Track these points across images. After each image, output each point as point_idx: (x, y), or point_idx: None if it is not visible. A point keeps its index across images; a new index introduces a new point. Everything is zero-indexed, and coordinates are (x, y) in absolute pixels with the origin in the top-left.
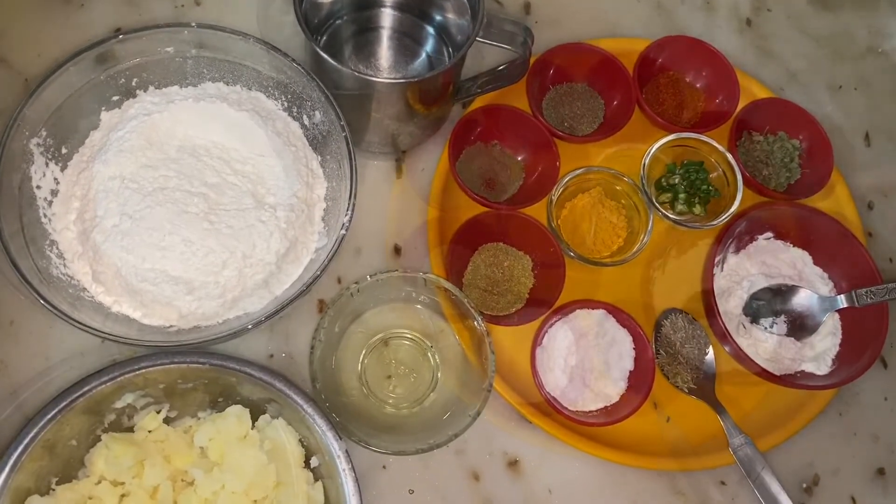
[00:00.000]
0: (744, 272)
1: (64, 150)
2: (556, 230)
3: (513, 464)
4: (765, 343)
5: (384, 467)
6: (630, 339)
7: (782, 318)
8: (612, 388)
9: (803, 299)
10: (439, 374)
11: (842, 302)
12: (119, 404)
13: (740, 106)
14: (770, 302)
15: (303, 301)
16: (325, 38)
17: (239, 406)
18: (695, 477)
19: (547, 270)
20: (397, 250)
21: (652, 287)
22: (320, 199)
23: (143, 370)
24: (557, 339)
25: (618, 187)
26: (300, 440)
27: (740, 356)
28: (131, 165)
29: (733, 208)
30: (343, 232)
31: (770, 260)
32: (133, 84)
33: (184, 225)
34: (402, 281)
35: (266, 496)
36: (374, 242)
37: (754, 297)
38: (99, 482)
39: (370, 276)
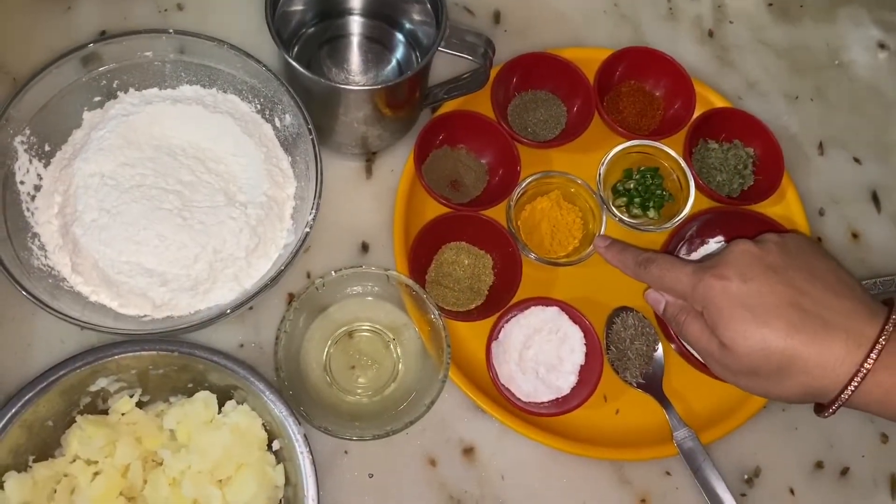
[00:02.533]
0: None
1: (47, 148)
2: (515, 231)
3: (468, 451)
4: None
5: (346, 452)
6: (581, 334)
7: None
8: (564, 381)
9: None
10: (400, 366)
11: None
12: (93, 388)
13: (697, 114)
14: None
15: (272, 294)
16: (298, 45)
17: (207, 392)
18: (641, 467)
19: (505, 269)
20: (365, 247)
21: (605, 286)
22: (290, 197)
23: (117, 356)
24: (513, 334)
25: (573, 191)
26: (263, 425)
27: (685, 354)
28: (110, 163)
29: (684, 212)
30: (307, 229)
31: None
32: (114, 86)
33: (158, 220)
34: (367, 277)
35: (230, 476)
36: (342, 240)
37: None
38: (73, 461)
39: (335, 272)
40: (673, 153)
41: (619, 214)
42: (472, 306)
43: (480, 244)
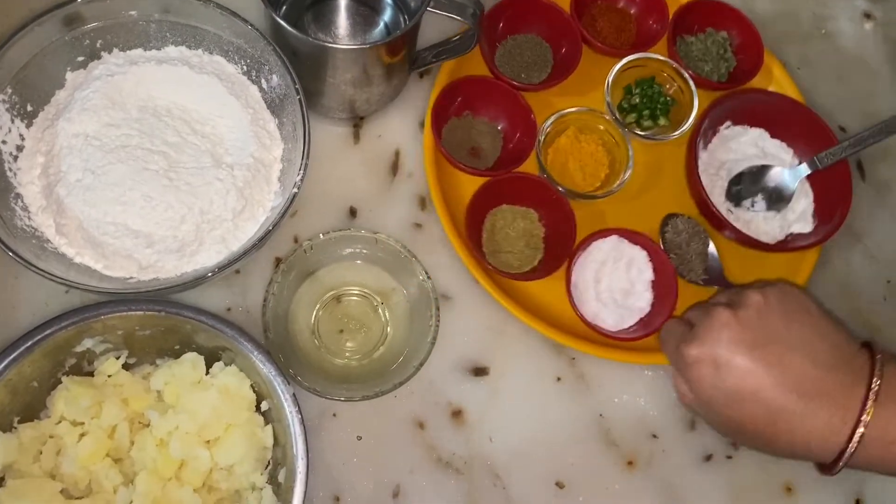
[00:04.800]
0: (717, 163)
1: (29, 108)
2: (550, 175)
3: (456, 413)
4: (752, 221)
5: (334, 415)
6: (644, 252)
7: (759, 196)
8: (642, 301)
9: (774, 174)
10: (388, 329)
11: (806, 168)
12: (79, 349)
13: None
14: (746, 184)
15: (260, 259)
16: (285, 6)
17: (194, 353)
18: (627, 429)
19: (553, 217)
20: (353, 212)
21: (648, 202)
22: (276, 160)
23: (103, 316)
24: (583, 274)
25: (587, 120)
26: (252, 386)
27: (741, 238)
28: (94, 124)
29: (695, 108)
30: (295, 191)
31: (734, 145)
32: (98, 46)
33: (144, 181)
34: (355, 240)
35: (218, 437)
36: (330, 204)
37: (732, 182)
38: (59, 422)
39: (323, 234)
40: (662, 57)
41: (635, 131)
42: (536, 262)
43: (521, 202)
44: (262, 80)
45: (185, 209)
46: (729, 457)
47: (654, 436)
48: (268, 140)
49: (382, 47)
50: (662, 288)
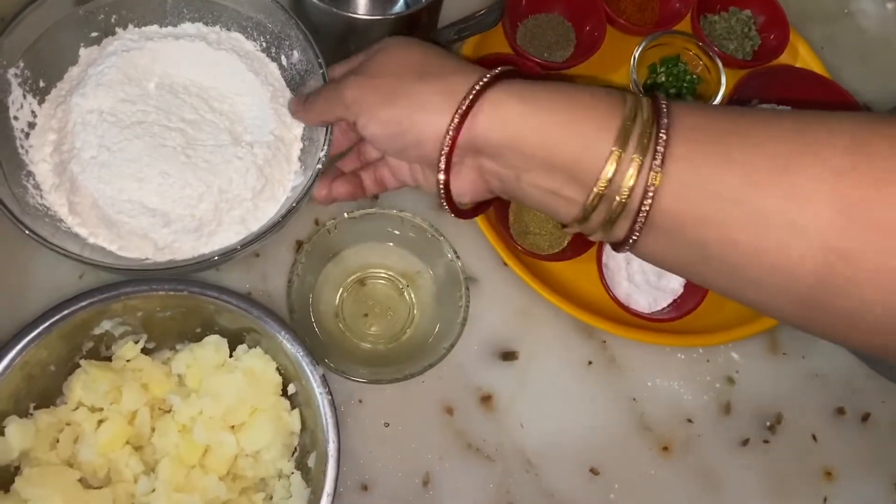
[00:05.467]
0: None
1: (42, 84)
2: None
3: (486, 399)
4: None
5: (360, 401)
6: None
7: None
8: (675, 282)
9: None
10: (415, 312)
11: None
12: (97, 331)
13: None
14: None
15: (280, 243)
16: None
17: (217, 335)
18: (662, 414)
19: None
20: (375, 195)
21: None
22: (297, 138)
23: (124, 296)
24: (615, 254)
25: None
26: (277, 368)
27: None
28: (109, 100)
29: (722, 85)
30: (319, 167)
31: None
32: (112, 21)
33: (161, 158)
34: (379, 219)
35: (243, 422)
36: None
37: None
38: (77, 408)
39: (347, 214)
40: (687, 34)
41: None
42: (565, 243)
43: None
44: (282, 57)
45: (203, 187)
46: (766, 441)
47: (689, 420)
48: (288, 118)
49: (405, 18)
50: None
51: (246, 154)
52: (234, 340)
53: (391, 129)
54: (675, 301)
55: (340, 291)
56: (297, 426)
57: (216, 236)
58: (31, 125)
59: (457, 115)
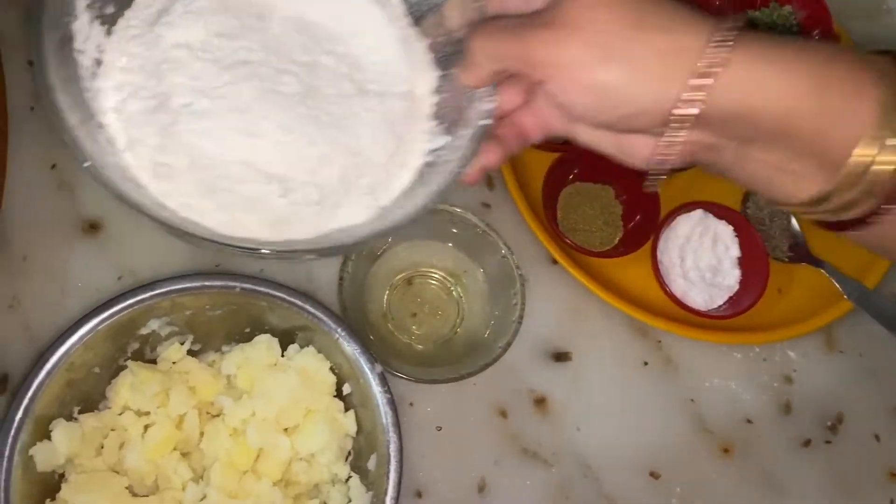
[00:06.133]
0: None
1: (110, 10)
2: None
3: (539, 401)
4: None
5: (411, 405)
6: (730, 228)
7: None
8: (730, 278)
9: None
10: (465, 312)
11: None
12: (144, 331)
13: None
14: None
15: None
16: None
17: (268, 335)
18: (721, 414)
19: (634, 193)
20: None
21: (728, 182)
22: (429, 91)
23: (174, 294)
24: (668, 250)
25: None
26: (331, 368)
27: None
28: (202, 32)
29: None
30: (487, 122)
31: None
32: None
33: (277, 108)
34: (428, 214)
35: (297, 424)
36: None
37: None
38: (122, 412)
39: None
40: None
41: None
42: (616, 240)
43: (596, 178)
44: None
45: (328, 146)
46: (828, 442)
47: (749, 421)
48: (419, 63)
49: None
50: (751, 264)
51: (377, 106)
52: (285, 340)
53: (600, 99)
54: (731, 298)
55: (388, 290)
56: (352, 428)
57: (340, 209)
58: (98, 62)
59: (691, 84)
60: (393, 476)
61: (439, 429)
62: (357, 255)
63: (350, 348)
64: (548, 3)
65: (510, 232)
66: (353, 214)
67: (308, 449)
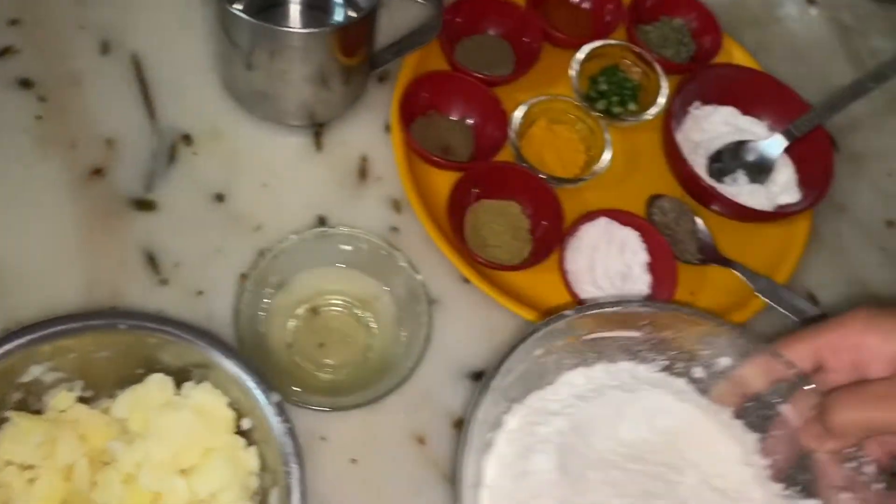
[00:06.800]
0: (692, 144)
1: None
2: (529, 163)
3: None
4: (738, 196)
5: (322, 438)
6: (636, 234)
7: (740, 171)
8: (640, 284)
9: (753, 147)
10: (376, 337)
11: (783, 137)
12: (25, 378)
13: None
14: (727, 160)
15: (222, 276)
16: None
17: (160, 374)
18: None
19: (538, 205)
20: (322, 221)
21: (630, 190)
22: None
23: (52, 337)
24: (577, 260)
25: (561, 112)
26: (230, 403)
27: (732, 209)
28: None
29: (663, 86)
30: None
31: (706, 125)
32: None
33: None
34: (328, 239)
35: (195, 465)
36: (295, 215)
37: (712, 159)
38: (4, 467)
39: (294, 235)
40: (623, 42)
41: (607, 116)
42: (526, 254)
43: (501, 194)
44: (693, 369)
45: None
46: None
47: None
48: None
49: (338, 33)
50: (660, 269)
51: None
52: (181, 378)
53: None
54: None
55: (293, 321)
56: (255, 464)
57: None
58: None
59: None
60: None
61: (354, 461)
62: (256, 285)
63: (246, 380)
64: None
65: (420, 254)
66: None
67: (207, 489)
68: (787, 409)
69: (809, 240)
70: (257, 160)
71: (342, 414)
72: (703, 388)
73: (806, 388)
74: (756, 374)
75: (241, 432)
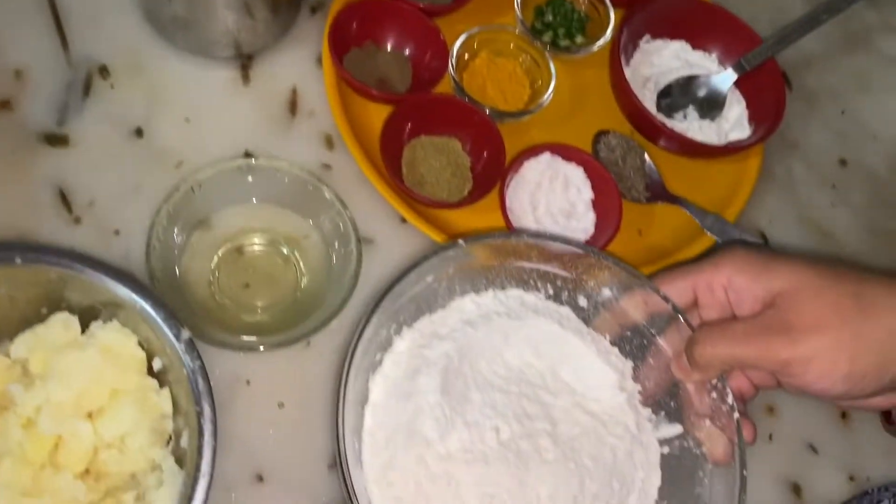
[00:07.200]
0: (642, 79)
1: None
2: (470, 96)
3: None
4: (688, 132)
5: (248, 382)
6: (580, 169)
7: (690, 106)
8: (585, 222)
9: (703, 82)
10: (304, 277)
11: (734, 71)
12: None
13: None
14: (676, 95)
15: (140, 214)
16: None
17: (65, 313)
18: None
19: (479, 141)
20: (248, 155)
21: (576, 126)
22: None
23: None
24: (519, 197)
25: (504, 44)
26: (140, 343)
27: (681, 144)
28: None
29: (611, 19)
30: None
31: (656, 59)
32: None
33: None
34: (251, 172)
35: (101, 407)
36: (221, 152)
37: (661, 95)
38: None
39: (214, 166)
40: None
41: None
42: (466, 192)
43: (440, 129)
44: (579, 297)
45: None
46: None
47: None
48: (617, 366)
49: None
50: (605, 207)
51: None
52: (88, 318)
53: (851, 386)
54: (587, 242)
55: (215, 261)
56: (167, 407)
57: None
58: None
59: None
60: (207, 451)
61: (281, 405)
62: (170, 220)
63: (155, 315)
64: (762, 309)
65: (354, 193)
66: None
67: (113, 433)
68: (661, 341)
69: (761, 178)
70: (180, 93)
71: (268, 357)
72: (586, 316)
73: (679, 322)
74: (635, 305)
75: (153, 374)
